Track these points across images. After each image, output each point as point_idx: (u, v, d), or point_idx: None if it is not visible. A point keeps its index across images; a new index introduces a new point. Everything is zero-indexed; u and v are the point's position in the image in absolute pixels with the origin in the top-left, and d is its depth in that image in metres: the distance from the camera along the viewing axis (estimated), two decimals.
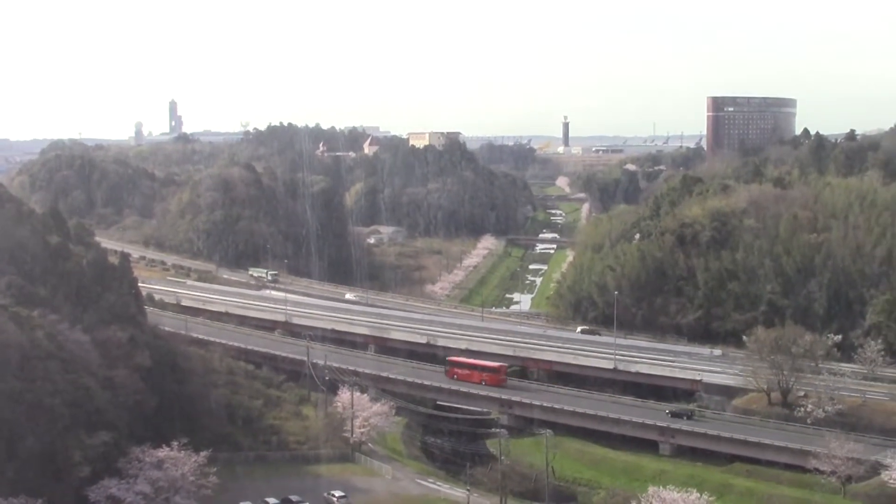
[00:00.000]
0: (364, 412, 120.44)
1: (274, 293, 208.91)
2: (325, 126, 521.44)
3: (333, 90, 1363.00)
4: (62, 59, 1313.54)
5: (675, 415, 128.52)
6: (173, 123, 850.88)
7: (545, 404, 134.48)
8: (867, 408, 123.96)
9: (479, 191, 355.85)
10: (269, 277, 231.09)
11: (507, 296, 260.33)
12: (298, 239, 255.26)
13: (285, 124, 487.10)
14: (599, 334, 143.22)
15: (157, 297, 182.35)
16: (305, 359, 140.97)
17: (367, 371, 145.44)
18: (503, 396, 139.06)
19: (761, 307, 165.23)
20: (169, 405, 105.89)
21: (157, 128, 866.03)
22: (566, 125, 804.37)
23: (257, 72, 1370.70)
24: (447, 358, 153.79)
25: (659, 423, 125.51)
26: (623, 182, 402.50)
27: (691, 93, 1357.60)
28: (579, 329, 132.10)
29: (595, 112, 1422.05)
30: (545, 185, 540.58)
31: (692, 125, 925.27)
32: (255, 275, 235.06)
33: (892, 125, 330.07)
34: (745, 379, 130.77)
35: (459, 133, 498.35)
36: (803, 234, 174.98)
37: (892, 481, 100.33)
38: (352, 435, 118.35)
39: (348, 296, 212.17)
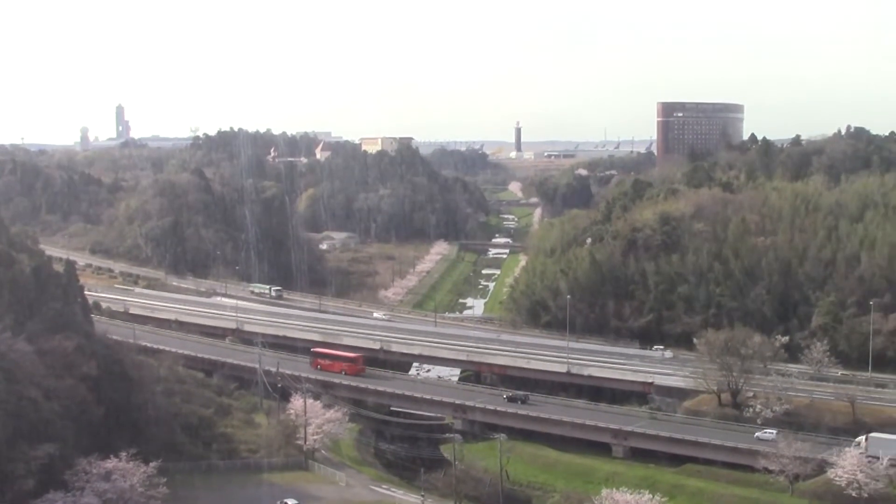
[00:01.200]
0: (317, 419, 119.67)
1: (224, 300, 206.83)
2: (276, 131, 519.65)
3: (285, 95, 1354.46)
4: (3, 61, 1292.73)
5: (511, 399, 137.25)
6: (120, 128, 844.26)
7: (499, 408, 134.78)
8: (814, 407, 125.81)
9: (431, 196, 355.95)
10: (273, 294, 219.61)
11: (461, 300, 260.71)
12: (249, 245, 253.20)
13: (235, 129, 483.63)
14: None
15: (104, 305, 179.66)
16: (257, 366, 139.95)
17: (319, 378, 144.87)
18: (457, 401, 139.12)
19: (711, 310, 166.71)
20: (117, 415, 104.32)
21: (104, 133, 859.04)
22: (518, 130, 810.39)
23: (207, 76, 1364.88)
24: (311, 350, 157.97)
25: (612, 426, 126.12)
26: (575, 187, 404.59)
27: (642, 98, 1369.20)
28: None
29: (547, 117, 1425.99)
30: (498, 190, 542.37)
31: (643, 130, 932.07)
32: (258, 291, 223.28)
33: (836, 130, 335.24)
34: (695, 381, 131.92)
35: (412, 138, 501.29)
36: (751, 237, 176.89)
37: (837, 479, 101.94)
38: (305, 442, 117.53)
39: (376, 314, 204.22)
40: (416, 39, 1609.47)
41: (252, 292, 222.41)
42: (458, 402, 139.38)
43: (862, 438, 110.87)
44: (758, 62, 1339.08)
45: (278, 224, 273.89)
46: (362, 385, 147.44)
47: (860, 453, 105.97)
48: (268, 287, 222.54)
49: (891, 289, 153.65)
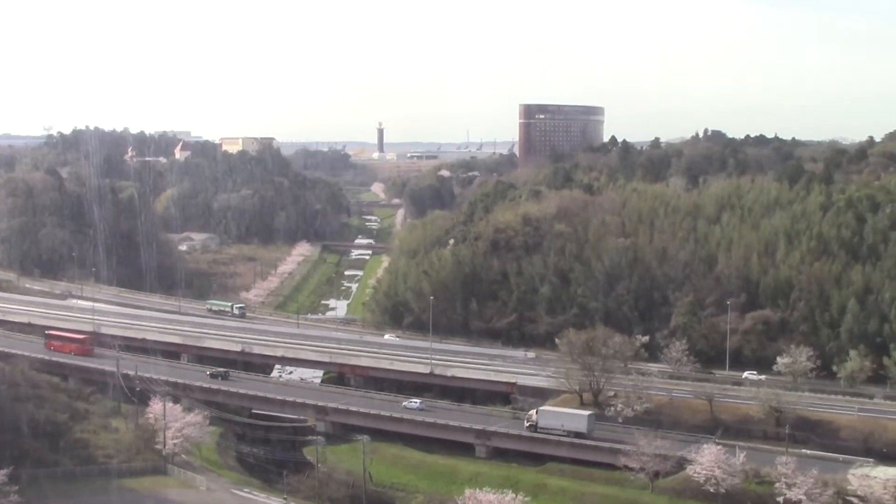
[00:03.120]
0: (177, 423, 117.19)
1: (80, 302, 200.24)
2: (134, 130, 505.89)
3: (142, 92, 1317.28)
4: None
5: (213, 375, 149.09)
6: None
7: (362, 410, 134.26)
8: (673, 405, 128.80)
9: (293, 197, 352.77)
10: (237, 311, 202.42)
11: (324, 302, 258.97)
12: (105, 247, 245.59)
13: (91, 128, 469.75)
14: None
15: None
16: (115, 370, 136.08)
17: (180, 381, 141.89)
18: (319, 403, 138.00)
19: (573, 310, 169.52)
20: None
21: None
22: (381, 131, 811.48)
23: (61, 72, 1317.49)
24: (46, 332, 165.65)
25: (475, 427, 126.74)
26: (437, 188, 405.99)
27: (504, 100, 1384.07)
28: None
29: (409, 118, 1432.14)
30: (360, 191, 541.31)
31: (505, 132, 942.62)
32: (216, 308, 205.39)
33: (694, 133, 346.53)
34: (557, 381, 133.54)
35: (273, 139, 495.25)
36: (612, 238, 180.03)
37: (696, 475, 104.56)
38: (164, 446, 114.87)
39: (387, 336, 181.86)
40: (277, 39, 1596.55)
41: (209, 310, 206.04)
42: (320, 403, 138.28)
43: (534, 412, 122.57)
44: (617, 66, 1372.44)
45: (136, 225, 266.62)
46: (223, 388, 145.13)
47: (529, 425, 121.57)
48: (229, 304, 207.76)
49: (746, 289, 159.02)
